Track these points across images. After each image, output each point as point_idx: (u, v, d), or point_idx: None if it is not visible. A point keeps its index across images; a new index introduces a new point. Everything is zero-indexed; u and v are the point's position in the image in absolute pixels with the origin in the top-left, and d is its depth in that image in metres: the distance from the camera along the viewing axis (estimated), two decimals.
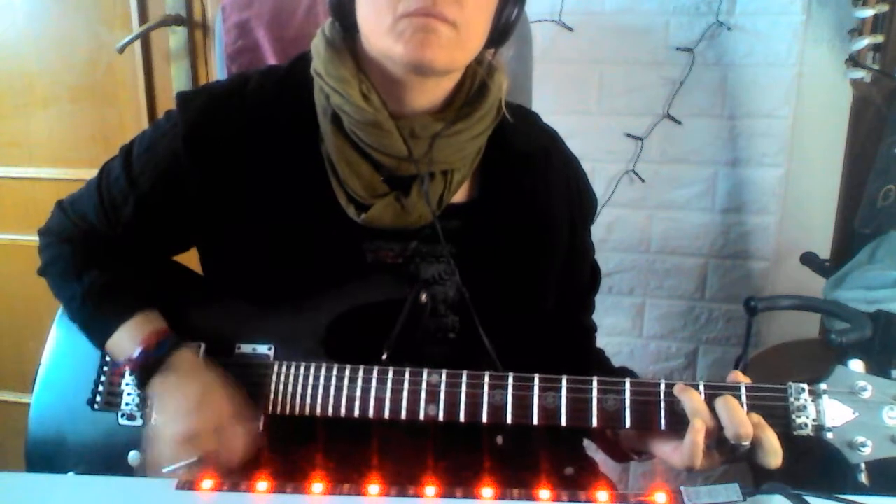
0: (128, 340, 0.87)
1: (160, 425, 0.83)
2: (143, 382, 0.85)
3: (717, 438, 0.74)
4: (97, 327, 0.90)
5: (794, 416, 0.75)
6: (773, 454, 0.73)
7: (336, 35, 0.87)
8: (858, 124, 1.51)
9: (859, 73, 1.47)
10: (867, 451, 0.73)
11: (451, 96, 0.88)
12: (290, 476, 0.80)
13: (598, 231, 1.77)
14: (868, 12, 1.44)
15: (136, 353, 0.85)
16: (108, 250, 0.94)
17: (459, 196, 0.93)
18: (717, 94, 1.70)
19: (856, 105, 1.51)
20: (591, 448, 0.99)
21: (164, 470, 0.79)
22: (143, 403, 0.89)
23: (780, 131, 1.70)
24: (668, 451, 0.78)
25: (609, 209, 1.78)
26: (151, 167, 0.91)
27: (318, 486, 0.78)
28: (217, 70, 1.29)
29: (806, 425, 0.74)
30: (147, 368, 0.85)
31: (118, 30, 1.82)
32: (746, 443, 0.72)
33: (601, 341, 1.07)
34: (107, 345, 0.89)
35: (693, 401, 0.75)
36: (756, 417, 0.73)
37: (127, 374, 0.89)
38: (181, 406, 0.82)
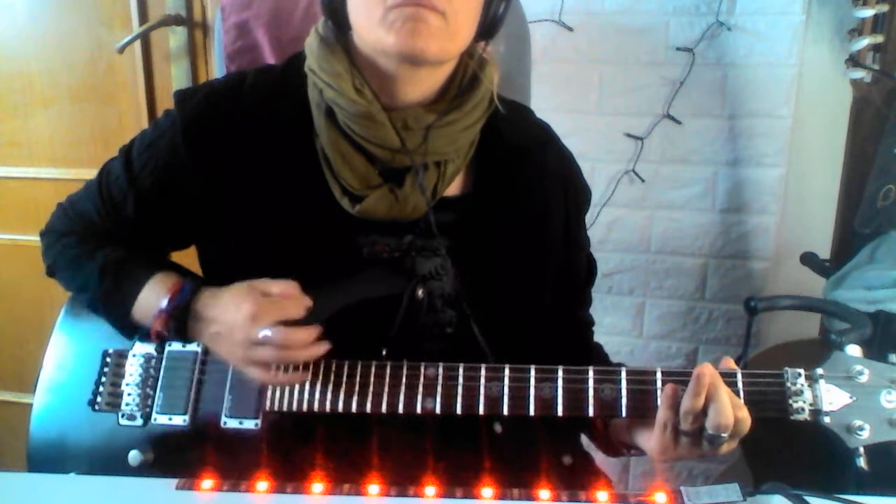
0: (154, 296, 0.87)
1: (229, 328, 0.82)
2: (181, 325, 0.85)
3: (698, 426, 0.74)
4: (119, 298, 0.90)
5: (791, 401, 0.74)
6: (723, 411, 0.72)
7: (329, 32, 0.88)
8: (858, 124, 1.51)
9: (859, 73, 1.47)
10: (865, 434, 0.73)
11: (443, 89, 0.89)
12: (290, 476, 0.80)
13: (598, 231, 1.77)
14: (868, 12, 1.44)
15: (164, 302, 0.85)
16: (111, 239, 0.95)
17: (454, 189, 0.93)
18: (717, 94, 1.70)
19: (856, 105, 1.51)
20: (586, 443, 1.00)
21: (272, 335, 0.79)
22: (143, 403, 0.89)
23: (780, 131, 1.69)
24: (643, 440, 0.80)
25: (609, 209, 1.78)
26: (151, 165, 0.92)
27: (318, 486, 0.78)
28: (217, 70, 1.29)
29: (803, 410, 0.74)
30: (181, 308, 0.85)
31: (118, 30, 1.82)
32: (725, 434, 0.72)
33: (601, 341, 1.07)
34: (133, 311, 0.89)
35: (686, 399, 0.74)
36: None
37: (159, 328, 0.87)
38: (232, 303, 0.82)
